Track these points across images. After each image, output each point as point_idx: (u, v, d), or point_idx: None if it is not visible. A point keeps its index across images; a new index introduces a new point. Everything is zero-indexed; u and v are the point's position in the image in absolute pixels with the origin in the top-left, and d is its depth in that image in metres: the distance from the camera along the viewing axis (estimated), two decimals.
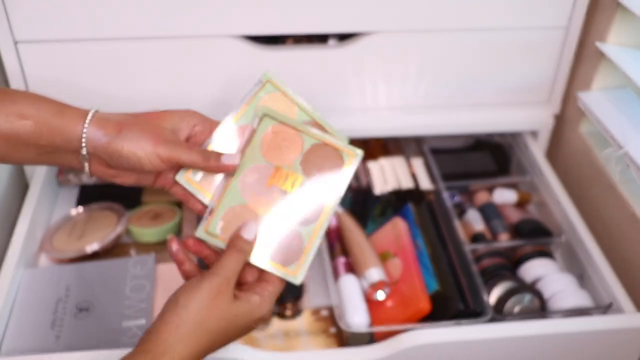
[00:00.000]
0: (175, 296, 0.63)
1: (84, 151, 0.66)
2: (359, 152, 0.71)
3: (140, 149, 0.65)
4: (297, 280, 0.68)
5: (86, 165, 0.68)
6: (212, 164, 0.67)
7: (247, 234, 0.66)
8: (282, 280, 0.67)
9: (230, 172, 0.68)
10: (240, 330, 0.65)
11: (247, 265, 0.67)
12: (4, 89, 0.67)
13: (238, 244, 0.66)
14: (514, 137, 1.14)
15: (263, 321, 0.67)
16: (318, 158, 0.71)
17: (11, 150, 0.66)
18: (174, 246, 0.68)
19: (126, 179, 0.70)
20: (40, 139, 0.65)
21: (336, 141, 0.71)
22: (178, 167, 0.69)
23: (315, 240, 0.68)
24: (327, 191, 0.70)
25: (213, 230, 0.68)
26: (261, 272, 0.68)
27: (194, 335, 0.61)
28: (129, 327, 0.84)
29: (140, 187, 1.07)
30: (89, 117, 0.66)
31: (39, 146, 0.66)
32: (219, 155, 0.68)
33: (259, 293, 0.65)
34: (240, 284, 0.67)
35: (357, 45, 0.97)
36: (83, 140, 0.65)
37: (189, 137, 0.70)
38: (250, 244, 0.66)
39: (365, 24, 0.95)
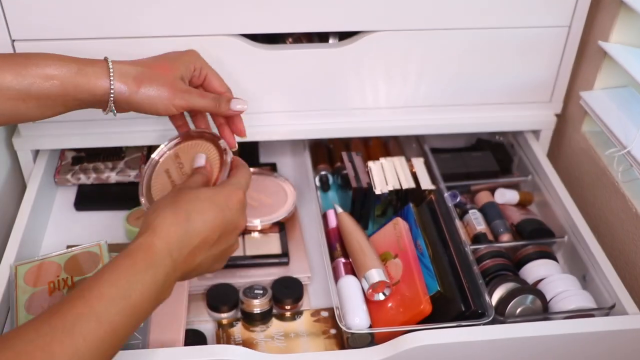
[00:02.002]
0: None
1: (111, 104, 0.75)
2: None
3: (159, 102, 0.76)
4: None
5: (113, 111, 0.77)
6: (222, 108, 0.79)
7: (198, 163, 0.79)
8: (240, 173, 0.77)
9: (239, 114, 0.82)
10: (217, 202, 0.70)
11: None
12: (23, 53, 0.75)
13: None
14: (516, 137, 1.14)
15: (237, 198, 0.72)
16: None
17: (43, 110, 0.73)
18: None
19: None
20: (67, 96, 0.73)
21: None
22: (190, 110, 0.82)
23: None
24: None
25: None
26: None
27: (168, 208, 0.67)
28: None
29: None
30: (111, 73, 0.74)
31: (66, 102, 0.74)
32: (228, 100, 0.80)
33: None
34: None
35: (357, 44, 0.97)
36: (111, 95, 0.74)
37: (191, 79, 0.82)
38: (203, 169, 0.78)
39: (365, 23, 0.95)
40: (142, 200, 0.80)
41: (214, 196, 0.70)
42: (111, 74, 0.74)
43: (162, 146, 0.84)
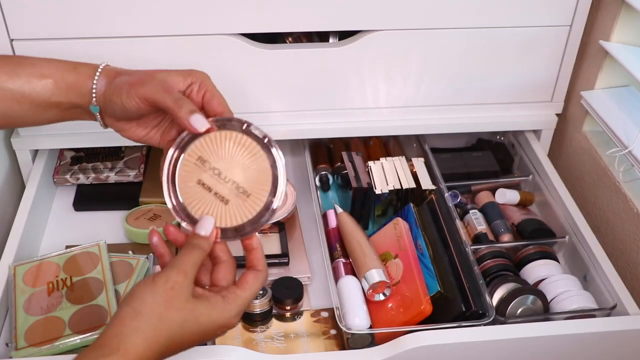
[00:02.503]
0: (131, 291, 0.61)
1: (94, 101, 0.70)
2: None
3: (124, 91, 0.68)
4: None
5: (99, 117, 0.72)
6: (182, 113, 0.65)
7: (201, 231, 0.65)
8: (253, 290, 0.65)
9: (194, 131, 0.66)
10: (202, 333, 0.62)
11: (224, 269, 0.67)
12: (20, 56, 0.74)
13: (192, 239, 0.65)
14: (517, 137, 1.14)
15: (228, 328, 0.64)
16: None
17: (37, 111, 0.71)
18: (155, 238, 0.67)
19: (133, 133, 0.72)
20: (59, 97, 0.70)
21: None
22: (160, 110, 0.69)
23: None
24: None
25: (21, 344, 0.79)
26: (239, 280, 0.66)
27: (150, 328, 0.58)
28: None
29: (139, 187, 1.06)
30: (99, 70, 0.71)
31: (59, 104, 0.71)
32: (191, 111, 0.65)
33: (224, 295, 0.63)
34: (212, 286, 0.67)
35: (357, 43, 0.96)
36: (93, 92, 0.70)
37: (188, 94, 0.70)
38: (205, 240, 0.65)
39: (365, 22, 0.95)
40: (184, 224, 0.67)
41: (208, 325, 0.62)
42: (98, 71, 0.71)
43: (171, 152, 0.67)
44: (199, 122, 0.65)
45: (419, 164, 1.04)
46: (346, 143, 1.12)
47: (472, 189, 1.06)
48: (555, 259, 0.94)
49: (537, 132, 1.10)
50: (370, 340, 0.83)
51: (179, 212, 0.67)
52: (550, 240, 0.97)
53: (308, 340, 0.87)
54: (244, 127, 0.67)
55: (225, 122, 0.68)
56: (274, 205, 0.67)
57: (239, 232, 0.67)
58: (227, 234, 0.67)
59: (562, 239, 0.97)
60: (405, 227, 0.93)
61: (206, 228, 0.65)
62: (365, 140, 1.13)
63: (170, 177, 0.67)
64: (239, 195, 0.67)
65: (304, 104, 1.01)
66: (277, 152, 0.67)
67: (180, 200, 0.67)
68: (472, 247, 0.92)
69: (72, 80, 0.71)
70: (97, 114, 0.72)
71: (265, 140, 0.67)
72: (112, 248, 0.94)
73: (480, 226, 0.98)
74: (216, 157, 0.67)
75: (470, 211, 1.01)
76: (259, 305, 0.88)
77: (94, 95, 0.70)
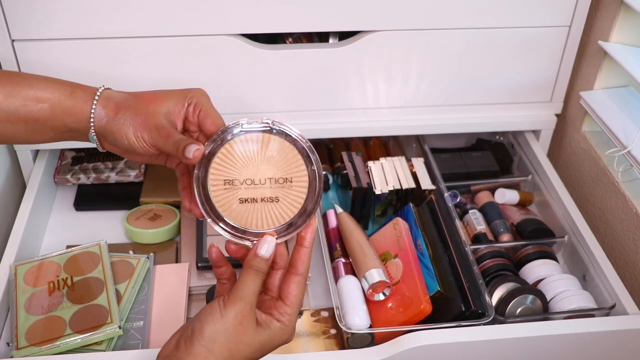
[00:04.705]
0: (200, 324, 0.62)
1: (92, 130, 0.69)
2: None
3: (130, 133, 0.67)
4: None
5: (97, 142, 0.70)
6: (179, 153, 0.64)
7: (263, 252, 0.64)
8: (299, 300, 0.66)
9: (192, 162, 0.65)
10: (264, 354, 0.65)
11: (279, 277, 0.67)
12: (18, 72, 0.71)
13: (254, 264, 0.64)
14: (516, 137, 1.14)
15: (286, 343, 0.66)
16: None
17: (31, 133, 0.69)
18: (214, 255, 0.67)
19: (135, 158, 0.72)
20: (55, 121, 0.69)
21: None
22: (158, 150, 0.68)
23: None
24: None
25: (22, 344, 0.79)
26: (279, 288, 0.67)
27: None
28: (127, 330, 0.84)
29: (139, 187, 1.06)
30: (96, 96, 0.69)
31: (54, 127, 0.69)
32: (185, 146, 0.64)
33: (279, 319, 0.65)
34: (265, 292, 0.68)
35: (357, 44, 0.96)
36: (91, 120, 0.68)
37: (185, 116, 0.69)
38: (267, 262, 0.64)
39: (365, 23, 0.95)
40: (255, 242, 0.65)
41: (270, 348, 0.65)
42: (96, 98, 0.68)
43: (196, 192, 0.65)
44: (190, 154, 0.64)
45: (418, 164, 1.04)
46: (346, 143, 1.12)
47: (472, 189, 1.06)
48: (555, 259, 0.94)
49: (536, 132, 1.10)
50: (370, 340, 0.83)
51: (244, 237, 0.65)
52: (549, 240, 0.97)
53: (308, 339, 0.87)
54: (241, 127, 0.65)
55: (222, 135, 0.66)
56: (318, 170, 0.64)
57: (304, 214, 0.65)
58: (295, 222, 0.65)
59: (562, 239, 0.97)
60: (405, 227, 0.93)
61: (266, 248, 0.64)
62: (365, 140, 1.13)
63: (212, 213, 0.65)
64: (284, 186, 0.64)
65: (304, 104, 1.02)
66: (282, 127, 0.65)
67: (237, 226, 0.65)
68: (472, 247, 0.92)
69: (69, 105, 0.69)
70: (96, 140, 0.71)
71: (266, 125, 0.65)
72: (113, 248, 0.94)
73: (480, 226, 0.98)
74: (238, 170, 0.65)
75: (470, 211, 1.01)
76: None
77: (92, 123, 0.69)
